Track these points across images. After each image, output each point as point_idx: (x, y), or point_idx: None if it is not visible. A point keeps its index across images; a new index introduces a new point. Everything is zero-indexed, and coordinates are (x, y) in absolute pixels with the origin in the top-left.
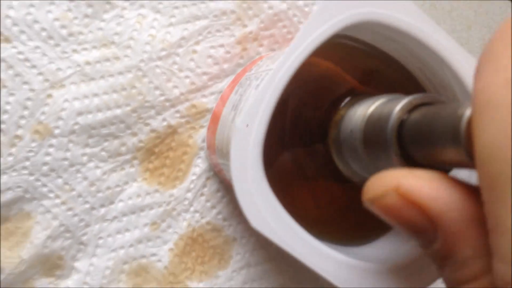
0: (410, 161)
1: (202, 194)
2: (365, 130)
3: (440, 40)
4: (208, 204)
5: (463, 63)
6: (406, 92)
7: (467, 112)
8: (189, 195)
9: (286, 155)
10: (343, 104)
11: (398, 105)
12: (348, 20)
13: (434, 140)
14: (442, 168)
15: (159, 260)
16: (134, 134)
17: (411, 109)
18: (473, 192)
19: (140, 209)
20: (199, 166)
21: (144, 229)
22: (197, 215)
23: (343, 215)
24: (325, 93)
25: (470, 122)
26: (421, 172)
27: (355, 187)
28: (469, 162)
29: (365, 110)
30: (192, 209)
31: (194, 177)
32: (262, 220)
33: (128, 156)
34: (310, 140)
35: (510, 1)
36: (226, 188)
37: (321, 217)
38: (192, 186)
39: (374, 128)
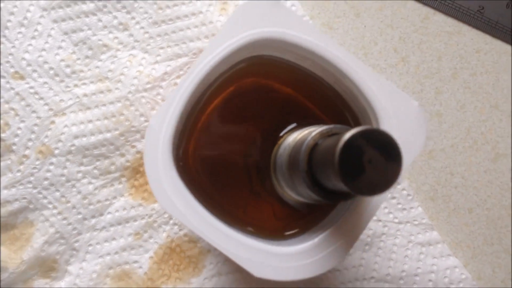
0: (318, 186)
1: None
2: (290, 154)
3: (338, 54)
4: None
5: (361, 74)
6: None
7: (340, 143)
8: None
9: (234, 164)
10: (287, 129)
11: (313, 133)
12: (250, 37)
13: (326, 167)
14: (343, 194)
15: (140, 267)
16: (122, 155)
17: (323, 137)
18: None
19: (125, 220)
20: None
21: (128, 238)
22: (175, 227)
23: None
24: (278, 117)
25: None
26: None
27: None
28: (346, 189)
29: (295, 136)
30: (171, 222)
31: None
32: (169, 202)
33: (116, 174)
34: (260, 159)
35: (481, 33)
36: None
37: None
38: None
39: (295, 153)
